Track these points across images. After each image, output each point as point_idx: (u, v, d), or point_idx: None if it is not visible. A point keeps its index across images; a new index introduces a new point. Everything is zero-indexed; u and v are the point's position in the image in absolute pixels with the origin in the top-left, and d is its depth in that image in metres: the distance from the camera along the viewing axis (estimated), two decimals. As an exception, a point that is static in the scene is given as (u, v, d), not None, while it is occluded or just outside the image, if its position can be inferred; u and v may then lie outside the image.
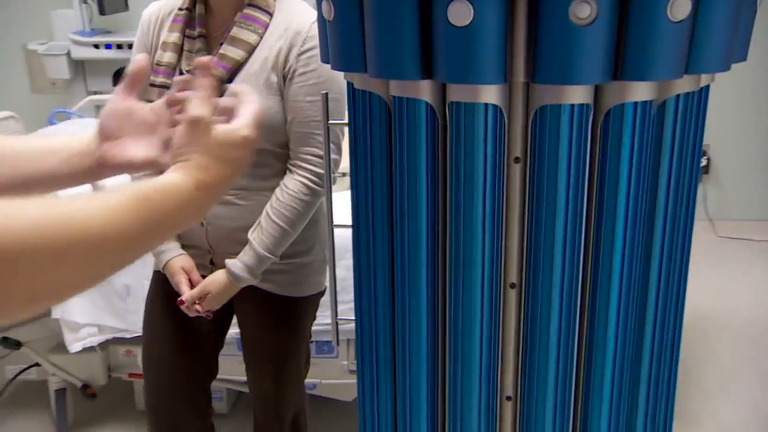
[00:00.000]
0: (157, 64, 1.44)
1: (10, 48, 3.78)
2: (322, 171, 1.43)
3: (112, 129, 0.84)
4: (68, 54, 3.38)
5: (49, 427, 2.37)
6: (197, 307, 1.48)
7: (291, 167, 1.45)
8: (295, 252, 1.52)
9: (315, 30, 1.41)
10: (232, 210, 1.47)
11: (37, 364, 2.31)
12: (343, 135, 1.47)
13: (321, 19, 0.92)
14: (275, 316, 1.58)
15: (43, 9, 3.58)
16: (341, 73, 1.46)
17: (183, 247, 1.54)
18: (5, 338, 2.28)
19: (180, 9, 1.45)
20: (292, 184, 1.43)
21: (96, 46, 3.29)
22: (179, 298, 1.48)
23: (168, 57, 1.42)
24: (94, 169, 0.81)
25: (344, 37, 0.86)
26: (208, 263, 1.53)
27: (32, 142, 0.83)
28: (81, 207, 0.63)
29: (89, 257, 0.63)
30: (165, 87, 1.42)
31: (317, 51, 1.40)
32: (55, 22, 3.45)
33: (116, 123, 0.85)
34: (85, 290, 0.70)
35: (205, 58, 0.82)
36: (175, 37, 1.43)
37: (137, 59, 0.85)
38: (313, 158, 1.43)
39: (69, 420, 2.36)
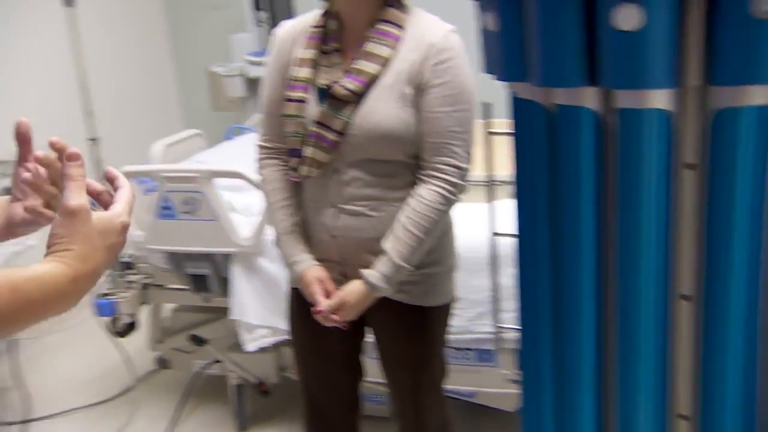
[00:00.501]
0: (294, 80, 1.48)
1: (194, 70, 4.12)
2: (457, 181, 1.44)
3: (18, 195, 0.91)
4: (244, 74, 3.63)
5: (230, 419, 2.54)
6: (334, 316, 1.49)
7: (425, 177, 1.45)
8: (426, 262, 1.52)
9: (448, 42, 1.42)
10: (362, 221, 1.49)
11: (218, 361, 2.49)
12: (473, 144, 1.47)
13: (483, 30, 0.92)
14: (408, 325, 1.59)
15: (223, 33, 3.87)
16: (471, 84, 1.46)
17: (316, 260, 1.56)
18: (194, 336, 2.48)
19: (314, 26, 1.50)
20: (428, 193, 1.44)
21: (268, 65, 3.51)
22: (315, 308, 1.50)
23: (304, 72, 1.47)
24: (5, 229, 0.89)
25: (507, 46, 0.86)
26: (340, 275, 1.54)
27: None
28: None
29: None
30: (301, 101, 1.47)
31: (451, 62, 1.41)
32: (233, 45, 3.73)
33: (19, 191, 0.92)
34: None
35: (62, 144, 0.84)
36: (310, 53, 1.47)
37: (17, 123, 0.88)
38: (448, 168, 1.44)
39: (247, 413, 2.53)
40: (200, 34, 4.19)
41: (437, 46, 1.41)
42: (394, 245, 1.44)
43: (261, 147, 1.59)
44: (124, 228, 0.80)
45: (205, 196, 2.17)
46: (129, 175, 2.37)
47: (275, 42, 1.55)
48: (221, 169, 2.20)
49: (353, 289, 1.47)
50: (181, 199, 2.20)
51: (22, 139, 0.89)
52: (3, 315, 0.69)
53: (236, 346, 2.38)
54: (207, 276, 2.30)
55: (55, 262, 0.73)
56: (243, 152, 2.23)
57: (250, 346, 2.28)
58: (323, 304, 1.49)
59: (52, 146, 0.87)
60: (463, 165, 1.44)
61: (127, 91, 3.81)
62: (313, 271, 1.52)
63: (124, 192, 0.83)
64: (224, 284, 2.30)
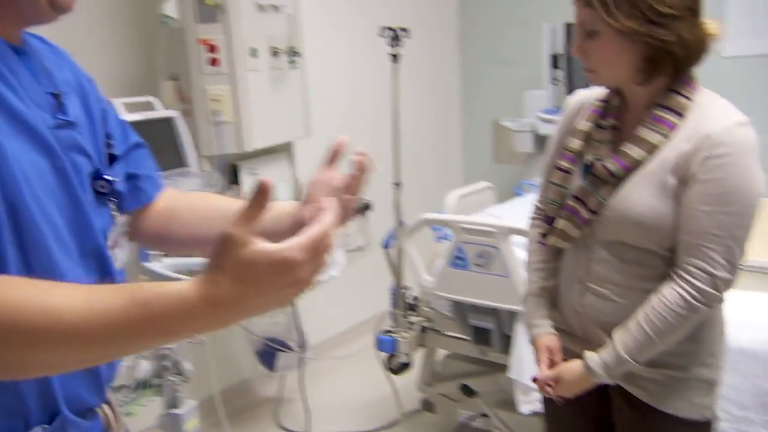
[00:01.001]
0: (566, 149, 1.47)
1: (480, 122, 4.25)
2: (705, 288, 1.30)
3: (315, 195, 0.99)
4: (534, 130, 3.66)
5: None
6: (549, 389, 1.47)
7: (673, 275, 1.34)
8: (669, 363, 1.40)
9: (730, 135, 1.29)
10: (606, 304, 1.43)
11: (485, 415, 2.48)
12: (741, 254, 1.31)
13: None
14: (646, 429, 1.47)
15: (515, 89, 3.95)
16: (749, 186, 1.30)
17: (558, 330, 1.53)
18: (464, 386, 2.51)
19: (599, 99, 1.47)
20: (669, 293, 1.33)
21: (560, 124, 3.50)
22: (534, 375, 1.50)
23: (576, 144, 1.45)
24: (294, 229, 0.82)
25: None
26: (581, 351, 1.48)
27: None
28: (66, 300, 0.70)
29: (67, 344, 0.70)
30: (567, 172, 1.45)
31: (726, 159, 1.28)
32: (526, 101, 3.78)
33: (317, 190, 0.99)
34: (74, 369, 0.80)
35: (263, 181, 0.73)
36: (587, 125, 1.45)
37: (337, 139, 0.97)
38: (698, 271, 1.31)
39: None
40: (492, 89, 4.30)
41: (714, 138, 1.29)
42: (623, 337, 1.37)
43: (535, 206, 1.61)
44: (289, 264, 0.71)
45: (500, 251, 2.19)
46: (427, 223, 2.49)
47: (565, 108, 1.55)
48: (519, 227, 2.21)
49: (572, 367, 1.44)
50: (475, 252, 2.25)
51: (336, 154, 1.00)
52: (130, 325, 0.70)
53: (506, 404, 2.35)
54: (490, 330, 2.31)
55: (186, 284, 0.72)
56: (536, 211, 2.23)
57: (524, 408, 2.24)
58: (542, 373, 1.48)
59: (357, 155, 0.96)
60: (718, 273, 1.30)
61: (416, 138, 4.03)
62: (546, 338, 1.51)
63: (314, 229, 0.73)
64: (506, 341, 2.29)
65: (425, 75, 3.99)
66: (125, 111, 1.68)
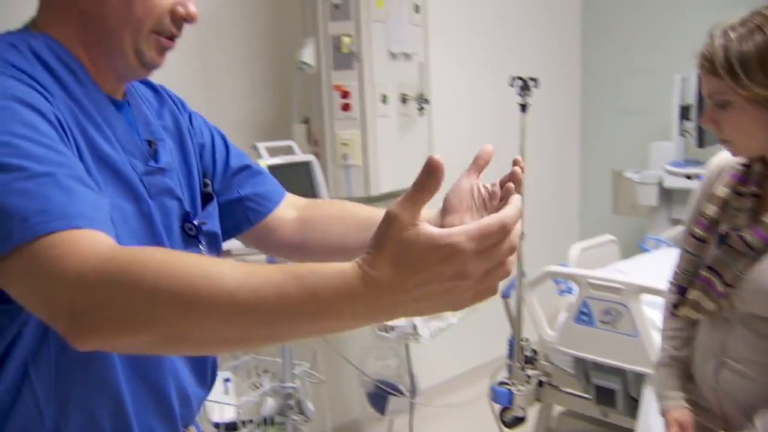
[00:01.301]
0: (701, 215, 1.37)
1: (600, 172, 4.14)
2: None
3: (455, 204, 0.94)
4: (660, 182, 3.52)
5: None
6: None
7: None
8: None
9: None
10: (744, 382, 1.32)
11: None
12: None
13: None
14: None
15: (639, 141, 3.83)
16: None
17: (695, 405, 1.43)
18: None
19: (739, 164, 1.36)
20: None
21: (688, 177, 3.35)
22: None
23: (711, 210, 1.35)
24: None
25: None
26: (720, 429, 1.40)
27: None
28: (227, 269, 0.67)
29: (227, 313, 0.67)
30: (702, 240, 1.35)
31: None
32: (652, 153, 3.65)
33: (458, 199, 0.95)
34: (233, 349, 0.74)
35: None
36: (725, 191, 1.35)
37: (484, 147, 0.95)
38: None
39: None
40: (613, 139, 4.19)
41: None
42: (765, 422, 1.26)
43: (674, 272, 1.50)
44: (454, 251, 0.63)
45: (629, 310, 2.10)
46: (551, 276, 2.43)
47: (707, 170, 1.46)
48: (651, 286, 2.11)
49: None
50: (602, 308, 2.17)
51: (481, 162, 0.96)
52: (284, 300, 0.66)
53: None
54: (615, 391, 2.21)
55: (349, 263, 0.66)
56: (665, 267, 2.13)
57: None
58: None
59: (515, 164, 0.90)
60: None
61: (535, 187, 3.98)
62: (677, 412, 1.42)
63: (490, 218, 0.65)
64: (631, 403, 2.19)
65: (546, 123, 3.94)
66: (267, 155, 1.74)
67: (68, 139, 0.85)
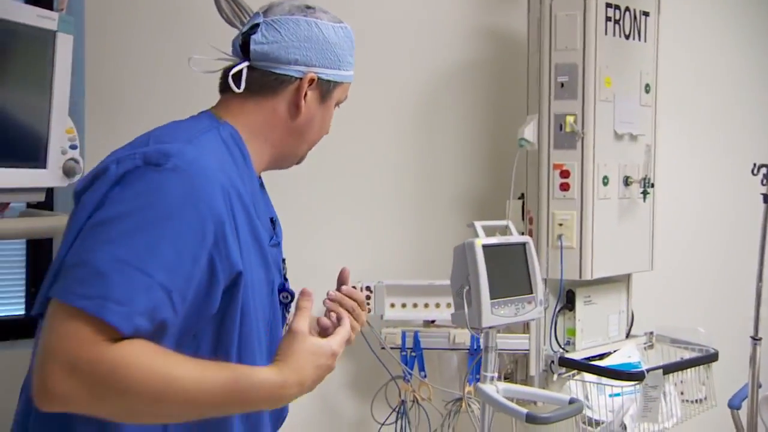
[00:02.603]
0: None
1: None
2: None
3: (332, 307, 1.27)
4: None
5: None
6: None
7: None
8: None
9: None
10: None
11: None
12: None
13: None
14: None
15: None
16: None
17: None
18: None
19: None
20: None
21: None
22: None
23: None
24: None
25: None
26: None
27: None
28: (188, 373, 0.93)
29: (183, 405, 0.94)
30: None
31: None
32: None
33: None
34: (181, 421, 0.99)
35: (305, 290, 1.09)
36: None
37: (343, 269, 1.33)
38: None
39: None
40: None
41: None
42: None
43: None
44: (333, 354, 1.06)
45: None
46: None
47: None
48: None
49: None
50: None
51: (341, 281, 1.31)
52: (225, 398, 0.95)
53: None
54: None
55: (271, 369, 1.00)
56: None
57: None
58: None
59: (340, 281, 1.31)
60: None
61: None
62: None
63: (343, 329, 1.11)
64: None
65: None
66: (483, 233, 1.71)
67: (229, 243, 1.03)
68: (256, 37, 1.17)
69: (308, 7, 1.23)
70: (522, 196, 2.51)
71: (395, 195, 2.61)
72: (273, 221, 1.26)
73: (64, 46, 1.30)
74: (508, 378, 2.44)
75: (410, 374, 2.39)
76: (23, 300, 2.10)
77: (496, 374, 1.78)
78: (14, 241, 2.09)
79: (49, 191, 1.71)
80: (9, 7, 1.22)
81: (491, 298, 1.66)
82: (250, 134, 1.17)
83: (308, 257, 2.40)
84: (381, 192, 2.58)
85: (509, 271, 1.74)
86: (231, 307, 1.05)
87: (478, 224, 1.73)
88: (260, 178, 1.24)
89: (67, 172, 1.36)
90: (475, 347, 2.32)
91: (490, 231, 1.78)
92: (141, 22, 2.14)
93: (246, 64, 1.17)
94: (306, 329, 1.03)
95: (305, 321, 1.04)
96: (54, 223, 1.41)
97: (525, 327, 2.38)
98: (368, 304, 2.40)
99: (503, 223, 1.83)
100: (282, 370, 1.00)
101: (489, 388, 1.72)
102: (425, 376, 2.41)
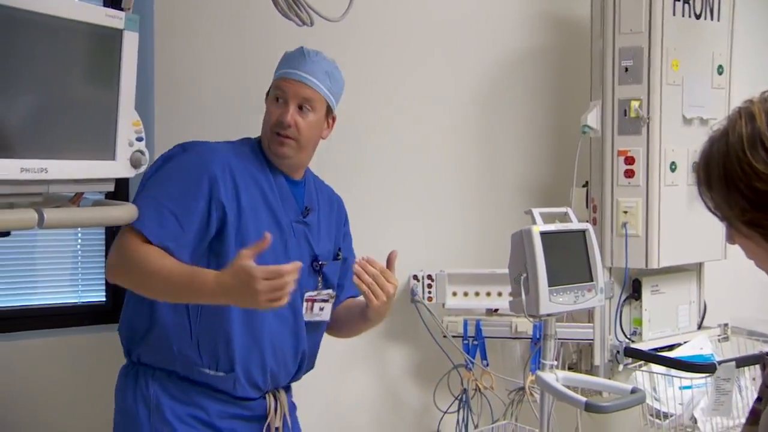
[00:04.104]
0: None
1: None
2: None
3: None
4: None
5: None
6: None
7: None
8: None
9: None
10: None
11: None
12: None
13: None
14: None
15: None
16: None
17: None
18: None
19: None
20: None
21: None
22: None
23: None
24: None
25: None
26: None
27: None
28: (171, 266, 1.53)
29: (164, 284, 1.52)
30: None
31: None
32: None
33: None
34: (167, 298, 1.58)
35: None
36: None
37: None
38: None
39: None
40: None
41: None
42: None
43: None
44: (250, 275, 1.42)
45: None
46: None
47: None
48: None
49: None
50: None
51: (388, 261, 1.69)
52: (183, 285, 1.51)
53: None
54: None
55: (214, 275, 1.49)
56: None
57: None
58: None
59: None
60: None
61: None
62: None
63: (275, 266, 1.46)
64: None
65: None
66: (541, 221, 1.69)
67: (221, 192, 1.61)
68: None
69: None
70: (586, 184, 2.46)
71: (457, 184, 2.60)
72: (307, 208, 1.77)
73: (130, 43, 1.35)
74: (572, 368, 2.40)
75: (472, 363, 2.38)
76: (103, 287, 2.20)
77: (555, 362, 1.76)
78: (94, 231, 2.19)
79: (123, 182, 1.79)
80: (81, 8, 1.28)
81: (549, 286, 1.64)
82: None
83: (370, 246, 2.41)
84: (443, 181, 2.57)
85: (568, 259, 1.72)
86: (225, 236, 1.62)
87: (536, 211, 1.71)
88: (295, 177, 1.79)
89: (134, 163, 1.41)
90: (538, 336, 2.30)
91: (548, 218, 1.75)
92: (207, 20, 2.20)
93: None
94: (247, 255, 1.44)
95: (252, 251, 1.45)
96: (124, 212, 1.46)
97: (589, 316, 2.33)
98: (429, 293, 2.40)
99: (562, 210, 1.80)
100: (217, 277, 1.48)
101: (548, 376, 1.70)
102: (487, 365, 2.39)
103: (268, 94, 1.76)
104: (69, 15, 1.25)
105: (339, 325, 1.88)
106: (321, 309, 1.78)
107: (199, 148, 1.66)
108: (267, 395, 1.73)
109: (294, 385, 1.85)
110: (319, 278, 1.76)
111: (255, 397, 1.71)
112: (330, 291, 1.80)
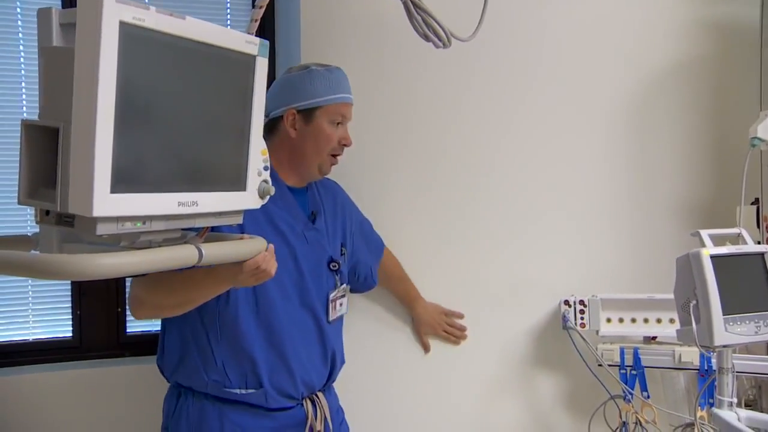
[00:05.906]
0: None
1: None
2: None
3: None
4: None
5: None
6: None
7: None
8: None
9: None
10: None
11: None
12: None
13: None
14: None
15: None
16: None
17: None
18: None
19: None
20: None
21: None
22: None
23: None
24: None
25: None
26: None
27: None
28: (193, 272, 1.44)
29: (192, 287, 1.50)
30: None
31: None
32: None
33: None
34: (196, 301, 1.54)
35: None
36: None
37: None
38: None
39: None
40: None
41: None
42: None
43: None
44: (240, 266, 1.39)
45: None
46: None
47: None
48: None
49: None
50: None
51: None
52: (193, 274, 1.46)
53: None
54: None
55: (227, 267, 1.41)
56: None
57: None
58: None
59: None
60: None
61: None
62: None
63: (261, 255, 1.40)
64: None
65: None
66: (711, 243, 1.45)
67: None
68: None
69: (291, 68, 1.76)
70: (756, 201, 2.13)
71: (609, 203, 2.35)
72: (313, 213, 1.75)
73: (261, 69, 1.28)
74: (750, 405, 2.07)
75: (631, 394, 2.11)
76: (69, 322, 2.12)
77: (735, 399, 1.49)
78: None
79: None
80: (226, 35, 1.21)
81: (724, 314, 1.39)
82: (276, 162, 1.60)
83: (521, 271, 2.25)
84: (594, 201, 2.34)
85: (745, 285, 1.45)
86: None
87: (705, 233, 1.47)
88: (298, 186, 1.76)
89: (261, 194, 1.29)
90: (706, 367, 2.00)
91: (718, 240, 1.50)
92: (350, 51, 2.15)
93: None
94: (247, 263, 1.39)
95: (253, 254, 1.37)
96: (257, 245, 1.35)
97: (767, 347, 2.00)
98: (582, 318, 2.18)
99: (735, 231, 1.54)
100: (229, 267, 1.38)
101: (728, 414, 1.43)
102: (648, 397, 2.12)
103: (309, 115, 1.69)
104: (217, 42, 1.17)
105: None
106: (341, 304, 1.80)
107: None
108: (304, 401, 1.69)
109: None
110: (337, 277, 1.77)
111: (291, 406, 1.67)
112: (345, 285, 1.82)
